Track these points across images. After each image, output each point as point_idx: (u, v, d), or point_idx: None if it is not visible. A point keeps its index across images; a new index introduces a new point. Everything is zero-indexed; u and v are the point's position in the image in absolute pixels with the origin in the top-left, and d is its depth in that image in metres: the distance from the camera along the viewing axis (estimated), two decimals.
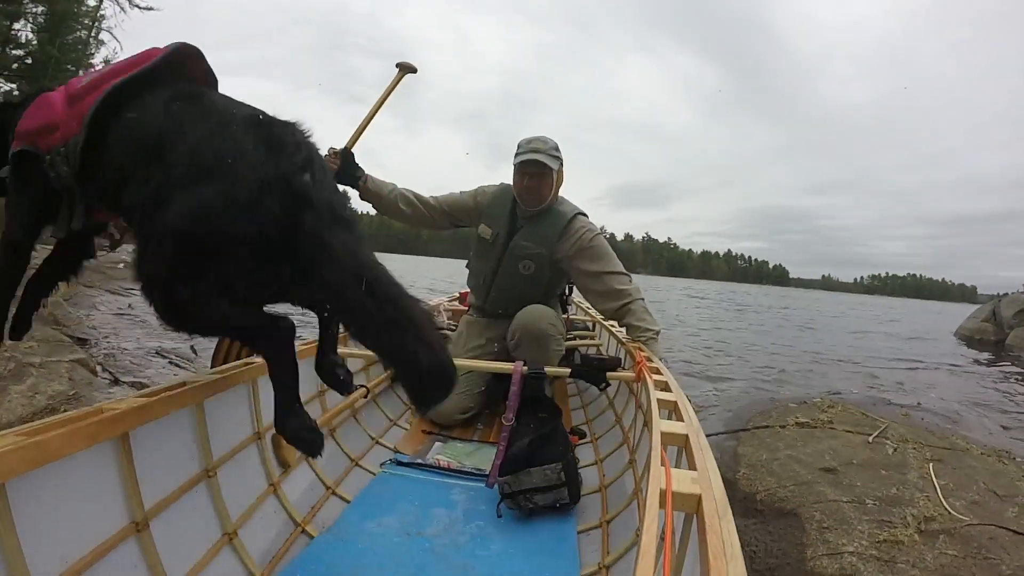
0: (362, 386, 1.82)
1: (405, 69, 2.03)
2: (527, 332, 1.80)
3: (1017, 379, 5.64)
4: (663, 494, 0.60)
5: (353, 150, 1.92)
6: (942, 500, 1.70)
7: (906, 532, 1.49)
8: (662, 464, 0.66)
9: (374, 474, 1.55)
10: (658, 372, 1.37)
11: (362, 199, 2.00)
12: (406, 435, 1.87)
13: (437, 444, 1.76)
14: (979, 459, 2.17)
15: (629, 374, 1.55)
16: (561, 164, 1.89)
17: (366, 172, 1.94)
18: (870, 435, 2.27)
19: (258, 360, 1.32)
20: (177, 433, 1.04)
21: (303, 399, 1.55)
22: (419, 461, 1.61)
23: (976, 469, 2.02)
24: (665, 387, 1.23)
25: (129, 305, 5.13)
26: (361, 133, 1.94)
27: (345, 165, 1.87)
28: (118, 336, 3.73)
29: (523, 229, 1.91)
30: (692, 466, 0.74)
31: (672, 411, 1.06)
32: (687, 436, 0.83)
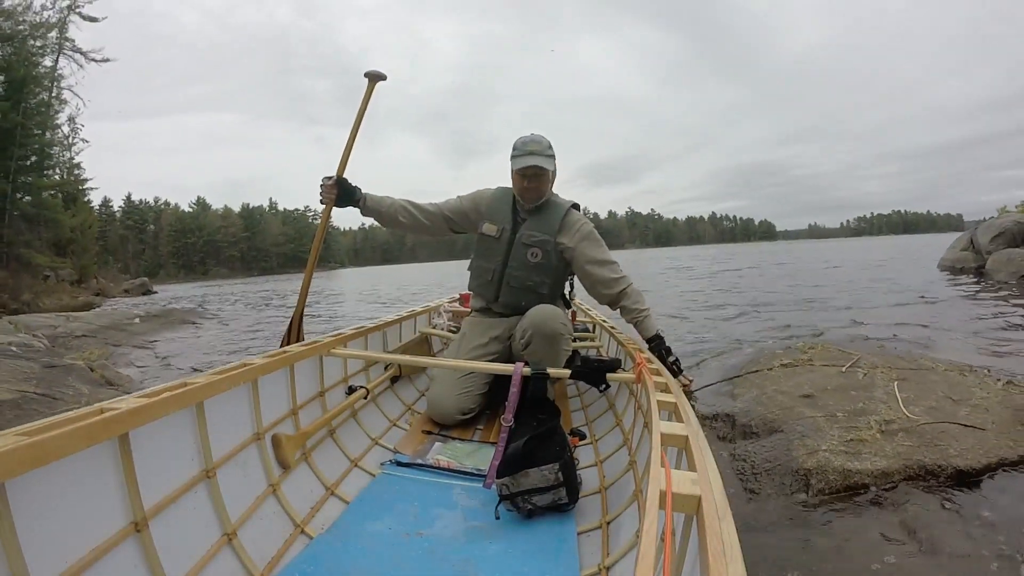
0: (362, 387, 1.85)
1: (374, 78, 2.01)
2: (539, 331, 1.81)
3: (992, 302, 5.78)
4: (663, 495, 0.60)
5: (345, 175, 1.96)
6: (902, 408, 1.95)
7: (869, 432, 1.76)
8: (662, 465, 0.66)
9: (374, 475, 1.54)
10: (658, 373, 1.37)
11: (364, 216, 2.07)
12: (406, 436, 1.86)
13: (437, 444, 1.76)
14: (942, 375, 2.35)
15: (629, 375, 1.55)
16: (555, 160, 1.98)
17: (364, 192, 2.00)
18: (843, 366, 2.57)
19: (258, 360, 1.34)
20: (177, 433, 1.04)
21: (303, 399, 1.55)
22: (419, 461, 1.60)
23: (937, 383, 2.22)
24: (665, 388, 1.23)
25: (158, 355, 5.41)
26: (349, 155, 1.97)
27: (343, 190, 1.94)
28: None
29: (527, 222, 2.00)
30: (692, 467, 0.73)
31: (672, 412, 1.06)
32: (687, 437, 0.82)
